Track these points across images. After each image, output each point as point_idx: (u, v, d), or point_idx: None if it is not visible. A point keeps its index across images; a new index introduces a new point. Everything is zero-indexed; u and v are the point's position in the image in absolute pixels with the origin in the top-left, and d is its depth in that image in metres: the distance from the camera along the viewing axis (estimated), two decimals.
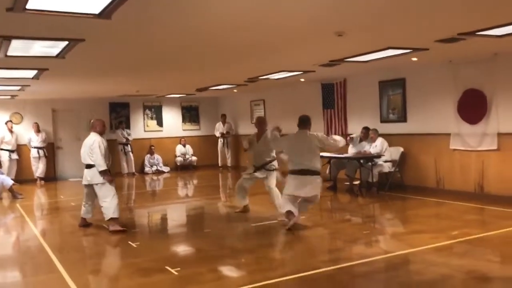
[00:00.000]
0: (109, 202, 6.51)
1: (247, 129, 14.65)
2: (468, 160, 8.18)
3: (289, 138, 6.60)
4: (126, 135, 14.33)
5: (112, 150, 14.02)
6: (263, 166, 7.15)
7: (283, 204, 6.28)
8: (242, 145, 7.92)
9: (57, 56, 6.06)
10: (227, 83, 11.26)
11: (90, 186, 6.65)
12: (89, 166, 6.57)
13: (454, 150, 8.37)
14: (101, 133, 6.69)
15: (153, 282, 4.38)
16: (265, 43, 5.93)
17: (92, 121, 6.90)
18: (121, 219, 7.72)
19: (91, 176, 6.55)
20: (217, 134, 14.97)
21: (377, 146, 9.05)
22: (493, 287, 4.01)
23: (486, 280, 4.17)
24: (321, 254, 5.35)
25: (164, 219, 8.19)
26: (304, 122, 6.37)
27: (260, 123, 7.46)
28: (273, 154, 7.17)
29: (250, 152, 7.44)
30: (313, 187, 6.12)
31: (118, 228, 6.49)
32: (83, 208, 6.86)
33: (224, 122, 15.00)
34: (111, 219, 6.52)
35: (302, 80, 10.68)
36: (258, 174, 7.24)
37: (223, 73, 9.00)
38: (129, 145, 14.35)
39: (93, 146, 6.48)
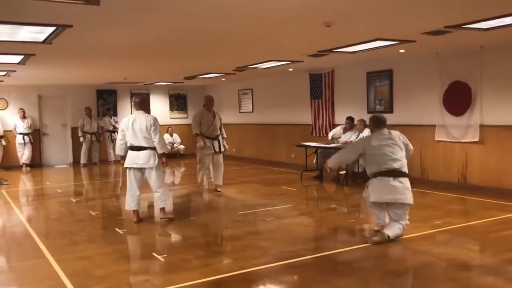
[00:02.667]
0: (166, 188, 6.33)
1: (235, 117, 14.69)
2: (452, 152, 8.31)
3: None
4: (113, 123, 14.26)
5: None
6: (216, 138, 8.23)
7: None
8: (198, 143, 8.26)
9: (44, 41, 6.01)
10: (216, 72, 11.24)
11: (141, 171, 6.22)
12: (142, 148, 6.07)
13: (439, 141, 8.50)
14: (149, 112, 6.33)
15: (139, 268, 4.42)
16: (254, 32, 5.94)
17: (138, 99, 6.38)
18: (109, 206, 7.74)
19: (144, 159, 6.08)
20: None
21: (364, 136, 9.12)
22: (473, 274, 4.12)
23: (466, 267, 4.28)
24: (306, 242, 5.42)
25: (150, 206, 8.19)
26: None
27: (212, 101, 8.50)
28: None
29: (203, 128, 8.21)
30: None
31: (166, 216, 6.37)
32: (130, 199, 6.29)
33: None
34: (162, 208, 6.36)
35: (291, 69, 10.71)
36: (216, 146, 8.21)
37: (211, 61, 8.99)
38: (116, 133, 14.27)
39: (156, 126, 6.04)
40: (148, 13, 4.78)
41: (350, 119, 9.59)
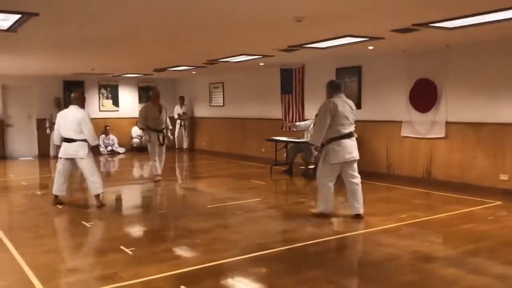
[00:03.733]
0: (97, 176, 6.69)
1: (206, 111, 14.63)
2: (418, 147, 8.53)
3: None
4: None
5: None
6: (161, 130, 8.81)
7: None
8: (148, 138, 8.92)
9: (8, 29, 5.82)
10: (186, 65, 11.15)
11: (70, 161, 6.67)
12: (71, 141, 6.57)
13: (405, 137, 8.70)
14: (83, 107, 6.76)
15: (107, 261, 4.37)
16: (224, 25, 5.91)
17: (73, 94, 6.85)
18: (75, 199, 7.62)
19: (75, 150, 6.57)
20: (175, 116, 14.89)
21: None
22: (435, 266, 4.26)
23: (429, 259, 4.41)
24: (275, 234, 5.48)
25: (118, 199, 8.11)
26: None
27: (158, 95, 9.08)
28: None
29: (149, 121, 8.76)
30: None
31: (102, 203, 6.77)
32: (57, 184, 6.80)
33: (182, 105, 14.93)
34: (97, 196, 6.72)
35: (262, 64, 10.73)
36: (160, 139, 8.77)
37: (182, 53, 8.91)
38: None
39: (85, 120, 6.54)
40: (116, 4, 4.70)
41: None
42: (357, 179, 5.86)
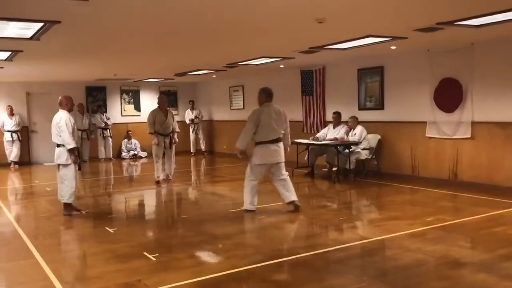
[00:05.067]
0: (66, 186, 6.52)
1: (226, 114, 14.63)
2: (443, 148, 8.34)
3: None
4: (105, 119, 14.15)
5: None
6: (168, 135, 9.22)
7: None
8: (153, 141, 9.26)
9: (32, 38, 5.91)
10: (206, 68, 11.17)
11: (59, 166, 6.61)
12: (58, 145, 6.51)
13: (430, 138, 8.52)
14: (69, 110, 6.64)
15: (131, 268, 4.37)
16: (246, 27, 5.88)
17: (60, 98, 6.71)
18: (99, 204, 7.68)
19: (57, 155, 6.53)
20: (187, 121, 14.92)
21: (356, 134, 9.13)
22: (465, 272, 4.13)
23: (458, 265, 4.28)
24: (298, 240, 5.41)
25: (141, 204, 8.15)
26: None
27: (164, 101, 9.49)
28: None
29: (156, 126, 9.16)
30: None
31: (72, 212, 6.65)
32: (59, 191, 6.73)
33: (192, 109, 14.95)
34: (65, 204, 6.61)
35: (282, 66, 10.67)
36: (166, 143, 9.19)
37: (202, 57, 8.92)
38: (108, 130, 14.20)
39: (60, 124, 6.40)
40: (138, 9, 4.71)
41: (336, 113, 9.61)
42: (284, 176, 6.44)
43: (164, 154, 9.32)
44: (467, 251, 4.81)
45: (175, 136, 9.52)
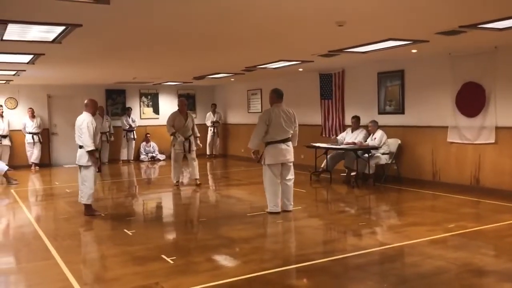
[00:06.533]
0: (86, 187, 6.62)
1: (244, 117, 14.62)
2: (465, 153, 8.18)
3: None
4: (130, 122, 14.29)
5: (117, 136, 14.13)
6: (188, 138, 9.14)
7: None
8: (172, 143, 9.30)
9: (54, 41, 5.98)
10: (225, 72, 11.18)
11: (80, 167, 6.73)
12: (80, 147, 6.62)
13: (451, 143, 8.37)
14: (93, 114, 6.77)
15: (149, 270, 4.36)
16: (265, 30, 5.85)
17: (86, 100, 6.84)
18: (117, 206, 7.73)
19: (78, 157, 6.64)
20: (208, 123, 14.98)
21: (376, 138, 9.02)
22: (487, 280, 4.02)
23: (482, 273, 4.18)
24: (316, 245, 5.34)
25: (159, 207, 8.17)
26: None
27: (185, 104, 9.44)
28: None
29: (176, 128, 9.14)
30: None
31: (94, 212, 6.76)
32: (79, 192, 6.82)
33: (214, 112, 15.00)
34: (85, 205, 6.71)
35: (300, 70, 10.63)
36: (186, 146, 9.11)
37: (221, 61, 8.93)
38: (132, 132, 14.33)
39: (82, 126, 6.54)
40: (158, 12, 4.72)
41: (355, 118, 9.53)
42: (289, 181, 6.62)
43: (184, 158, 9.33)
44: (490, 259, 4.69)
45: (198, 141, 9.53)
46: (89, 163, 6.56)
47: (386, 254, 4.77)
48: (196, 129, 9.49)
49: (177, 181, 9.36)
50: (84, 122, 6.55)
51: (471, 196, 7.58)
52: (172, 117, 9.25)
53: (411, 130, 9.09)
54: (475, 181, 8.03)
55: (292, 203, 6.71)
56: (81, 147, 6.60)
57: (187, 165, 9.62)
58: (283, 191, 6.62)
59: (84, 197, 6.68)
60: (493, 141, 7.69)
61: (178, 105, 9.48)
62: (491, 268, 4.33)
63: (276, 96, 6.63)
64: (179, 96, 15.60)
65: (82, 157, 6.60)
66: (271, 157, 6.50)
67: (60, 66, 9.08)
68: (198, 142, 9.55)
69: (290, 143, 6.60)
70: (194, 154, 9.35)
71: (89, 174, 6.61)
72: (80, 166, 6.69)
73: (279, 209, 6.58)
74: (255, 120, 13.81)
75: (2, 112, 12.61)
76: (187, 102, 15.56)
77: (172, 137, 9.25)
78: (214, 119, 14.98)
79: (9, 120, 12.83)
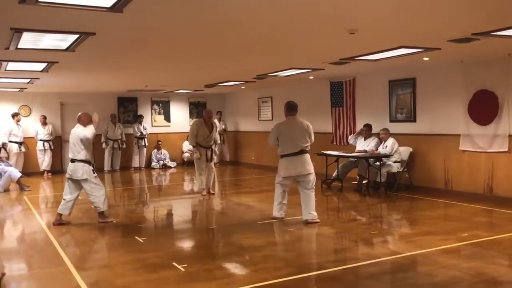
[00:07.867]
0: (96, 196, 6.64)
1: (254, 125, 14.64)
2: (478, 162, 8.10)
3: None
4: (142, 129, 14.37)
5: (128, 144, 14.19)
6: (210, 147, 9.03)
7: None
8: (194, 155, 9.13)
9: (67, 49, 6.05)
10: (236, 80, 11.22)
11: (74, 181, 6.63)
12: (72, 160, 6.61)
13: (464, 151, 8.29)
14: (85, 126, 6.74)
15: (160, 278, 4.36)
16: (277, 38, 5.86)
17: (79, 114, 6.83)
18: (129, 213, 7.75)
19: (72, 171, 6.56)
20: None
21: (387, 146, 8.97)
22: None
23: (495, 283, 4.12)
24: (328, 253, 5.31)
25: (170, 214, 8.18)
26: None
27: (210, 116, 9.18)
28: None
29: (199, 138, 8.95)
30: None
31: (107, 219, 6.80)
32: (61, 204, 6.70)
33: (220, 120, 14.99)
34: (99, 212, 6.75)
35: (311, 77, 10.62)
36: (208, 155, 8.98)
37: (233, 69, 8.96)
38: (144, 140, 14.39)
39: (82, 138, 6.54)
40: (171, 22, 4.76)
41: (367, 126, 9.49)
42: (308, 191, 6.57)
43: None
44: (505, 269, 4.62)
45: (216, 148, 9.49)
46: (85, 176, 6.53)
47: (398, 263, 4.72)
48: (218, 137, 9.39)
49: (203, 190, 9.14)
50: (83, 134, 6.53)
51: (484, 205, 7.49)
52: (196, 127, 8.97)
53: (423, 138, 9.03)
54: (489, 189, 7.94)
55: (312, 212, 6.54)
56: (73, 160, 6.57)
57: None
58: (303, 201, 6.60)
59: (99, 205, 6.67)
60: (507, 149, 7.61)
61: (204, 116, 9.16)
62: (505, 279, 4.26)
63: (287, 109, 6.69)
64: (191, 104, 15.70)
65: (77, 171, 6.53)
66: (283, 169, 6.57)
67: (73, 74, 9.17)
68: (216, 149, 9.53)
69: (305, 156, 6.53)
70: (213, 163, 9.25)
71: (90, 185, 6.59)
72: (74, 180, 6.60)
73: (282, 215, 6.72)
74: (265, 127, 13.98)
75: (20, 119, 12.74)
76: (198, 110, 15.83)
77: (194, 149, 9.04)
78: (221, 128, 14.92)
79: (23, 127, 12.97)
